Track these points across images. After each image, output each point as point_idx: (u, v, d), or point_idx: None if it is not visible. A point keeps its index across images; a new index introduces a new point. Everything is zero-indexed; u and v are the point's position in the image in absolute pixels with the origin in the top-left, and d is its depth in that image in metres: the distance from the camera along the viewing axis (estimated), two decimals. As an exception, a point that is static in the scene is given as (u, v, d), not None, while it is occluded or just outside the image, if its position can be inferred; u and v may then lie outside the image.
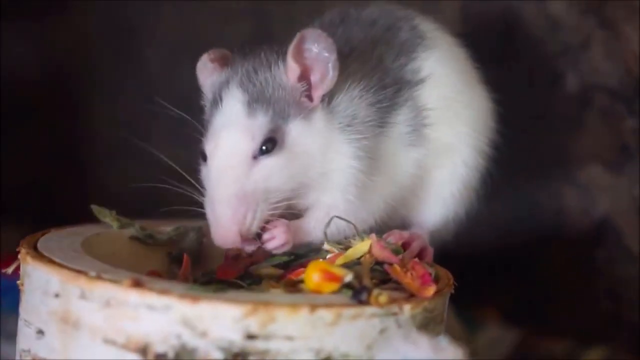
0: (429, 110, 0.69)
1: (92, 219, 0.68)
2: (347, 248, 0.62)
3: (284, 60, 0.64)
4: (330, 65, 0.63)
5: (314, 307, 0.53)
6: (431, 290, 0.58)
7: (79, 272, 0.55)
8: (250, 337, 0.52)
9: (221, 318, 0.52)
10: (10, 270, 0.62)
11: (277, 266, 0.64)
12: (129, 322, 0.52)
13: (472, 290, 0.73)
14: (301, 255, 0.64)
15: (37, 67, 1.09)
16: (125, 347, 0.53)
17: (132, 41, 1.08)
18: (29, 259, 0.58)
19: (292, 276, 0.61)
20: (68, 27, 1.10)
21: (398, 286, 0.58)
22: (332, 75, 0.63)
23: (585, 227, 0.87)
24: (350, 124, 0.64)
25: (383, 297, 0.54)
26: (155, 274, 0.63)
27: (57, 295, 0.55)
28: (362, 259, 0.61)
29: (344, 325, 0.53)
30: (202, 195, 0.64)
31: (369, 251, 0.61)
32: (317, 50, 0.63)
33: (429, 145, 0.69)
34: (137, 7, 1.06)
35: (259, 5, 1.00)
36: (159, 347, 0.52)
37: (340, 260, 0.61)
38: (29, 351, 0.57)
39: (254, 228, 0.62)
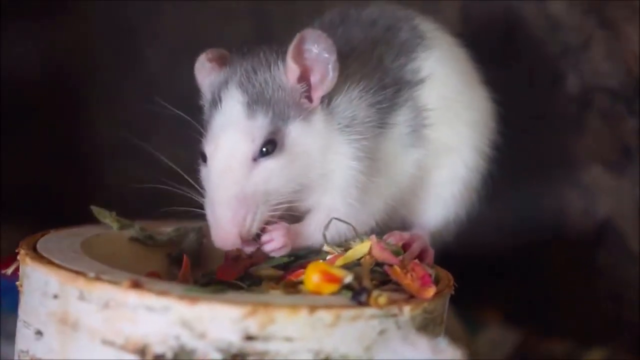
0: (429, 111, 0.69)
1: (93, 220, 0.68)
2: (347, 249, 0.62)
3: (284, 60, 0.63)
4: (330, 66, 0.63)
5: (313, 308, 0.52)
6: (431, 291, 0.58)
7: (77, 273, 0.55)
8: (249, 338, 0.52)
9: (220, 319, 0.52)
10: (9, 271, 0.62)
11: (277, 267, 0.64)
12: (128, 323, 0.52)
13: (473, 291, 0.73)
14: (301, 256, 0.64)
15: (37, 67, 1.09)
16: (124, 348, 0.53)
17: (133, 41, 1.08)
18: (28, 260, 0.58)
19: (292, 277, 0.61)
20: (68, 27, 1.10)
21: (398, 287, 0.58)
22: (332, 76, 0.63)
23: (587, 228, 0.87)
24: (349, 125, 0.64)
25: (382, 299, 0.54)
26: (154, 275, 0.63)
27: (55, 296, 0.55)
28: (362, 260, 0.61)
29: (344, 326, 0.53)
30: (202, 196, 0.63)
31: (369, 252, 0.61)
32: (317, 51, 0.63)
33: (429, 145, 0.69)
34: (138, 7, 1.06)
35: (259, 5, 1.00)
36: (157, 348, 0.52)
37: (340, 262, 0.61)
38: (27, 352, 0.57)
39: (254, 230, 0.62)
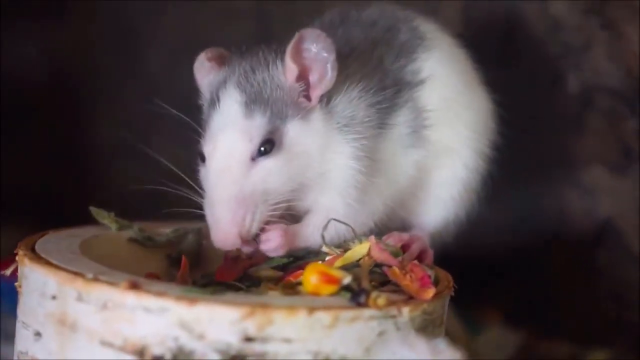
0: (429, 112, 0.69)
1: (93, 220, 0.68)
2: (346, 250, 0.62)
3: (282, 60, 0.63)
4: (329, 65, 0.63)
5: (312, 309, 0.52)
6: (430, 292, 0.57)
7: (76, 274, 0.55)
8: (248, 339, 0.52)
9: (218, 320, 0.51)
10: (8, 272, 0.62)
11: (276, 268, 0.64)
12: (126, 324, 0.52)
13: (475, 292, 0.73)
14: (300, 257, 0.64)
15: (37, 67, 1.09)
16: (123, 349, 0.53)
17: (133, 41, 1.08)
18: (26, 260, 0.58)
19: (291, 278, 0.61)
20: (68, 27, 1.10)
21: (397, 288, 0.58)
22: (330, 75, 0.63)
23: (587, 228, 0.86)
24: (348, 124, 0.64)
25: (381, 300, 0.54)
26: (153, 276, 0.63)
27: (54, 297, 0.55)
28: (361, 261, 0.61)
29: (342, 327, 0.53)
30: (202, 196, 0.63)
31: (368, 253, 0.61)
32: (316, 50, 0.63)
33: (429, 146, 0.69)
34: (138, 7, 1.06)
35: (260, 6, 1.00)
36: (156, 350, 0.52)
37: (339, 263, 0.61)
38: (26, 353, 0.57)
39: (254, 230, 0.62)
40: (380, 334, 0.54)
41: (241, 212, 0.61)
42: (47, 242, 0.62)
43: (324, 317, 0.52)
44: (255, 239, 0.63)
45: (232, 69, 0.65)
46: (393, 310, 0.54)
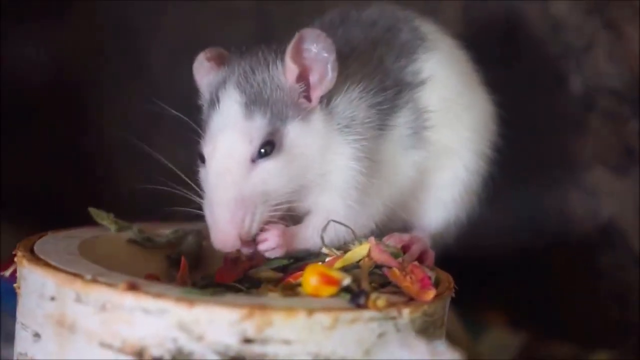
0: (430, 113, 0.68)
1: (93, 221, 0.68)
2: (346, 252, 0.62)
3: (282, 60, 0.63)
4: (329, 65, 0.62)
5: (311, 311, 0.52)
6: (430, 294, 0.57)
7: (74, 275, 0.54)
8: (247, 341, 0.51)
9: (217, 322, 0.51)
10: (7, 273, 0.62)
11: (276, 269, 0.64)
12: (125, 325, 0.52)
13: (476, 293, 0.73)
14: (301, 258, 0.64)
15: (38, 67, 1.09)
16: (122, 350, 0.52)
17: (133, 42, 1.08)
18: (25, 262, 0.58)
19: (291, 279, 0.61)
20: (68, 27, 1.10)
21: (397, 290, 0.58)
22: (331, 75, 0.63)
23: (589, 229, 0.86)
24: (349, 125, 0.64)
25: (381, 301, 0.54)
26: (153, 277, 0.63)
27: (52, 299, 0.55)
28: (361, 262, 0.61)
29: (342, 329, 0.53)
30: (202, 197, 0.63)
31: (368, 254, 0.61)
32: (316, 50, 0.62)
33: (429, 147, 0.68)
34: (138, 7, 1.06)
35: (260, 6, 1.00)
36: (155, 351, 0.52)
37: (338, 264, 0.60)
38: (26, 354, 0.57)
39: (253, 231, 0.62)
40: (380, 335, 0.54)
41: (240, 213, 0.61)
42: (46, 243, 0.62)
43: (323, 318, 0.52)
44: (255, 240, 0.63)
45: (232, 69, 0.64)
46: (393, 312, 0.54)
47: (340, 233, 0.64)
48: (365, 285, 0.56)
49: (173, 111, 0.65)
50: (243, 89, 0.63)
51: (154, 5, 1.06)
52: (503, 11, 0.86)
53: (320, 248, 0.63)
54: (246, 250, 0.63)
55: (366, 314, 0.53)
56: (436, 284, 0.60)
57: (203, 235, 0.68)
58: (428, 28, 0.71)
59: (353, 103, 0.64)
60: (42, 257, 0.58)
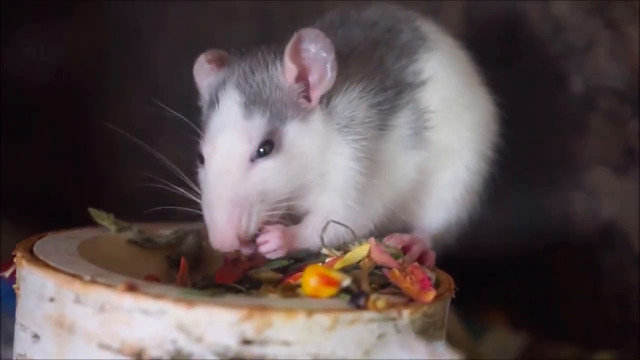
0: (431, 113, 0.68)
1: (93, 221, 0.68)
2: (346, 252, 0.62)
3: (282, 60, 0.63)
4: (328, 65, 0.62)
5: (311, 312, 0.52)
6: (431, 295, 0.57)
7: (73, 276, 0.54)
8: (246, 342, 0.51)
9: (217, 323, 0.51)
10: (7, 274, 0.61)
11: (276, 270, 0.63)
12: (124, 326, 0.52)
13: (477, 294, 0.73)
14: (301, 259, 0.64)
15: (38, 67, 1.09)
16: (121, 351, 0.52)
17: (134, 42, 1.08)
18: (24, 262, 0.58)
19: (291, 280, 0.61)
20: (69, 27, 1.10)
21: (397, 291, 0.58)
22: (330, 75, 0.63)
23: (591, 230, 0.86)
24: (348, 125, 0.64)
25: (381, 302, 0.54)
26: (153, 278, 0.63)
27: (52, 300, 0.55)
28: (361, 263, 0.60)
29: (342, 330, 0.53)
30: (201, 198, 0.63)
31: (368, 255, 0.61)
32: (315, 50, 0.62)
33: (430, 148, 0.68)
34: (139, 7, 1.06)
35: (261, 6, 1.00)
36: (154, 352, 0.52)
37: (338, 265, 0.60)
38: (25, 355, 0.57)
39: (252, 230, 0.62)
40: (380, 336, 0.54)
41: (238, 212, 0.61)
42: (46, 243, 0.62)
43: (323, 319, 0.52)
44: (255, 240, 0.62)
45: (232, 69, 0.64)
46: (393, 313, 0.54)
47: (339, 233, 0.63)
48: (365, 286, 0.56)
49: (173, 112, 0.65)
50: (242, 89, 0.63)
51: (154, 6, 1.06)
52: (504, 11, 0.86)
53: (320, 248, 0.63)
54: (246, 251, 0.63)
55: (366, 315, 0.53)
56: (436, 285, 0.60)
57: (203, 235, 0.68)
58: (429, 28, 0.71)
59: (353, 103, 0.64)
60: (41, 257, 0.58)
